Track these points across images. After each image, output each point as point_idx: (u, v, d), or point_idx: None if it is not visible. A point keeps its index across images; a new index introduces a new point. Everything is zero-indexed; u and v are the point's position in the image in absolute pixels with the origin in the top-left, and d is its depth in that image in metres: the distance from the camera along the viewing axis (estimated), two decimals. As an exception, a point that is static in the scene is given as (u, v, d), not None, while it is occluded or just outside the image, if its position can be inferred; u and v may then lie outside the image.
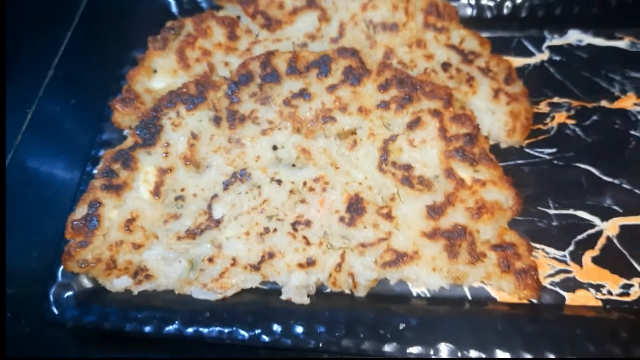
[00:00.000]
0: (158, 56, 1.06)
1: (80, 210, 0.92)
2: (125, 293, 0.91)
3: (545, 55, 1.05)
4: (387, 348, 0.79)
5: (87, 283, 0.91)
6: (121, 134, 1.04)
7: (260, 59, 1.00)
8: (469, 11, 1.08)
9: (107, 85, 1.08)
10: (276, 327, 0.82)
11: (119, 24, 1.21)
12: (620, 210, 0.89)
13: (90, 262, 0.89)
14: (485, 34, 1.04)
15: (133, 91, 1.02)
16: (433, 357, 0.78)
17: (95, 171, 0.96)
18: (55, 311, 0.88)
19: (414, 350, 0.79)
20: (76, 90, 1.19)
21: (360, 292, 0.88)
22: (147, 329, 0.85)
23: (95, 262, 0.89)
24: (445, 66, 1.00)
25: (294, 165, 0.95)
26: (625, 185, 0.91)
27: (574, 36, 1.04)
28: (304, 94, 0.97)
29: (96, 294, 0.91)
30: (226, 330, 0.83)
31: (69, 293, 0.90)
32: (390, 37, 1.03)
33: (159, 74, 1.06)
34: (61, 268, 0.91)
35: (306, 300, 0.87)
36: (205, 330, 0.84)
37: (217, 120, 0.97)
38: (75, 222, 0.91)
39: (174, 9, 1.18)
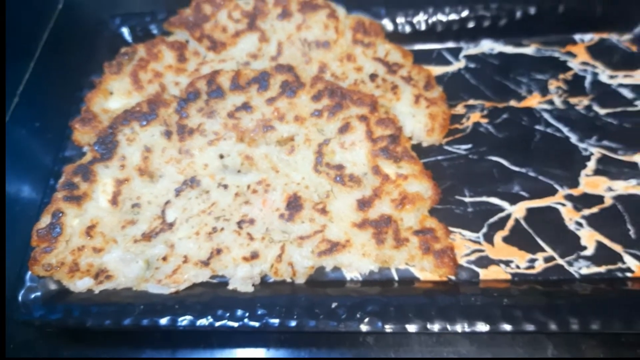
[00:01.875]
0: (114, 79, 1.21)
1: (45, 220, 1.05)
2: (87, 293, 1.03)
3: (462, 64, 1.22)
4: (321, 325, 0.93)
5: (52, 285, 1.04)
6: (81, 151, 1.18)
7: (206, 78, 1.15)
8: (393, 27, 1.25)
9: (68, 109, 1.23)
10: (222, 313, 0.96)
11: (78, 53, 1.37)
12: (527, 195, 1.05)
13: (54, 265, 1.02)
14: (408, 47, 1.21)
15: (91, 112, 1.17)
16: (361, 330, 0.93)
17: (57, 185, 1.11)
18: (24, 311, 1.01)
19: (344, 325, 0.93)
20: (40, 115, 1.34)
21: (300, 279, 1.02)
22: (107, 322, 0.98)
23: (59, 266, 1.02)
24: (373, 77, 1.17)
25: (239, 171, 1.10)
26: (530, 174, 1.07)
27: (487, 45, 1.22)
28: (246, 107, 1.12)
29: (61, 295, 1.03)
30: (178, 319, 0.97)
31: (36, 294, 1.02)
32: (323, 53, 1.20)
33: (114, 95, 1.21)
34: (28, 273, 1.04)
35: (250, 289, 1.00)
36: (159, 320, 0.97)
37: (168, 134, 1.12)
38: (40, 231, 1.04)
39: (127, 36, 1.34)
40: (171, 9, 1.29)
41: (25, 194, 1.23)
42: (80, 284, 1.04)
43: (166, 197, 1.09)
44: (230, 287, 1.01)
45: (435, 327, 0.89)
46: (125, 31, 1.33)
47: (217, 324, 0.95)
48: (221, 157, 1.11)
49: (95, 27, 1.33)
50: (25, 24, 1.48)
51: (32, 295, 1.03)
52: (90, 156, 1.11)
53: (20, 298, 1.03)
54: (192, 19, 1.24)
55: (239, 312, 0.95)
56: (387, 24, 1.25)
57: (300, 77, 1.13)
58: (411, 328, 0.90)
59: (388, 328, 0.91)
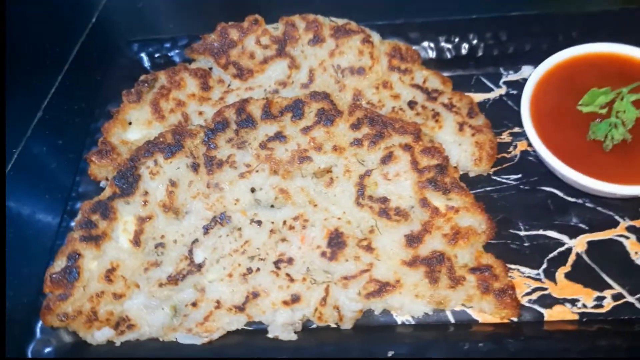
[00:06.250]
0: (133, 109, 1.13)
1: (59, 263, 0.95)
2: (108, 345, 0.93)
3: (502, 90, 1.16)
4: (380, 377, 0.84)
5: (66, 337, 0.93)
6: (97, 185, 1.08)
7: (235, 106, 1.08)
8: (430, 53, 1.20)
9: (78, 138, 1.14)
10: (266, 366, 0.86)
11: (91, 80, 1.29)
12: (586, 228, 0.98)
13: (70, 314, 0.92)
14: (446, 74, 1.16)
15: (109, 143, 1.08)
16: (424, 381, 0.83)
17: (72, 223, 1.00)
18: (35, 370, 0.90)
19: (406, 377, 0.84)
20: (63, 133, 1.25)
21: (347, 325, 0.92)
22: (133, 379, 0.87)
23: (75, 315, 0.92)
24: (411, 104, 1.10)
25: (272, 206, 1.01)
26: (588, 204, 1.01)
27: (528, 71, 1.17)
28: (279, 136, 1.05)
29: (77, 348, 0.93)
30: (216, 374, 0.86)
31: (49, 349, 0.92)
32: (357, 80, 1.14)
33: (134, 125, 1.12)
34: (39, 323, 0.93)
35: (293, 337, 0.91)
36: (194, 377, 0.87)
37: (194, 167, 1.04)
38: (54, 275, 0.94)
39: (146, 63, 1.26)
40: (192, 35, 1.22)
41: (40, 217, 1.13)
42: (99, 335, 0.94)
43: (194, 235, 1.00)
44: (270, 335, 0.91)
45: (512, 374, 0.81)
46: (144, 57, 1.25)
47: (260, 378, 0.85)
48: (253, 191, 1.03)
49: (112, 53, 1.25)
50: (54, 35, 1.40)
51: (45, 350, 0.92)
52: (109, 191, 1.02)
53: (30, 354, 0.91)
54: (217, 44, 1.17)
55: (287, 365, 0.85)
56: (423, 50, 1.19)
57: (337, 104, 1.06)
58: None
59: (457, 378, 0.82)
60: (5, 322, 0.97)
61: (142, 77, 1.15)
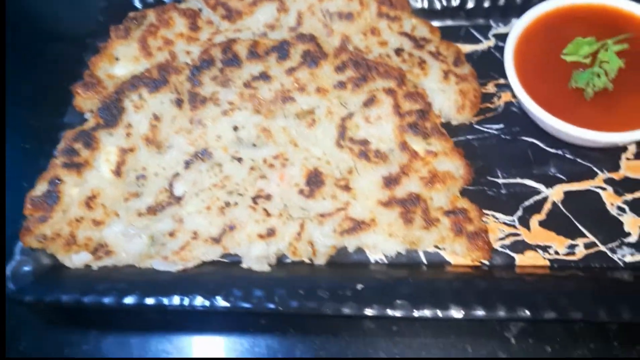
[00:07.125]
0: (120, 44, 1.11)
1: (40, 187, 0.95)
2: (85, 269, 0.93)
3: (491, 42, 1.14)
4: (346, 308, 0.84)
5: (45, 259, 0.94)
6: (82, 117, 1.07)
7: (222, 45, 1.07)
8: (420, 2, 1.18)
9: (66, 71, 1.12)
10: (236, 292, 0.86)
11: (79, 15, 1.27)
12: (564, 178, 0.97)
13: (49, 237, 0.92)
14: (435, 24, 1.14)
15: (95, 76, 1.07)
16: (389, 314, 0.83)
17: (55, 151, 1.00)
18: (13, 287, 0.90)
19: (372, 309, 0.83)
20: (33, 78, 1.24)
21: (320, 260, 0.92)
22: (107, 300, 0.87)
23: (54, 237, 0.92)
24: (398, 51, 1.08)
25: (254, 145, 1.00)
26: (567, 155, 0.99)
27: (518, 25, 1.15)
28: (263, 76, 1.04)
29: (55, 270, 0.93)
30: (187, 298, 0.86)
31: (27, 268, 0.92)
32: (346, 25, 1.12)
33: (121, 61, 1.11)
34: (19, 245, 0.93)
35: (267, 268, 0.91)
36: (165, 300, 0.87)
37: (179, 103, 1.03)
38: (34, 198, 0.94)
39: (137, 2, 1.24)
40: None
41: (16, 157, 1.11)
42: (77, 259, 0.94)
43: (174, 169, 0.99)
44: (244, 265, 0.91)
45: (477, 311, 0.80)
46: (134, -5, 1.23)
47: (230, 304, 0.85)
48: (235, 129, 1.02)
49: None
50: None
51: (22, 270, 0.92)
52: (93, 122, 1.02)
53: (9, 272, 0.92)
54: (208, -16, 1.15)
55: (256, 293, 0.85)
56: (413, -1, 1.17)
57: (323, 47, 1.05)
58: (456, 313, 0.81)
59: (423, 313, 0.81)
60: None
61: (131, 14, 1.14)
